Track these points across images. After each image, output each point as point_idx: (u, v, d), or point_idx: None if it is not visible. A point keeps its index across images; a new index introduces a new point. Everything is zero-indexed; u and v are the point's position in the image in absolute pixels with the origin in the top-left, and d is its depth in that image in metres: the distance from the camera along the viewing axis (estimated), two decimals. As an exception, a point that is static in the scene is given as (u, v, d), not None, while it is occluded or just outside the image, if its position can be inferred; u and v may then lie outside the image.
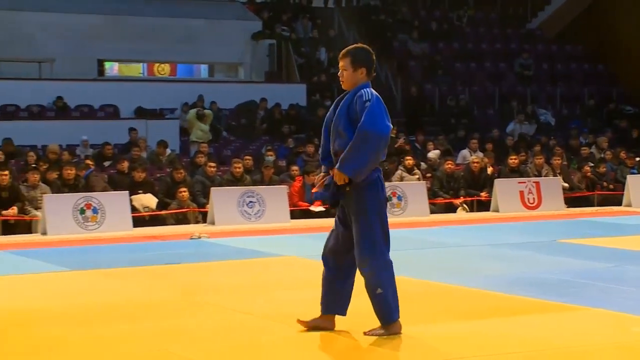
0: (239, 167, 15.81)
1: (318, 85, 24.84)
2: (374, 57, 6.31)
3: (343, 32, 27.45)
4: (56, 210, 13.52)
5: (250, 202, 14.81)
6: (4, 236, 13.44)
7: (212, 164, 16.18)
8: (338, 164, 6.04)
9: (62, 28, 23.71)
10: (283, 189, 15.37)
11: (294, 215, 15.15)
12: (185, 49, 24.92)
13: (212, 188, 14.95)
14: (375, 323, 6.25)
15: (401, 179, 16.67)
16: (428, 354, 5.84)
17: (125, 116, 21.49)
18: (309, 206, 15.66)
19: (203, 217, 15.07)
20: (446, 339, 6.22)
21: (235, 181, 15.61)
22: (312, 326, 6.32)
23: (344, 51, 6.28)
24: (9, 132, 18.37)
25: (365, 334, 6.21)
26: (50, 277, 9.44)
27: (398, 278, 8.84)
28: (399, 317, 6.21)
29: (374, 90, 6.18)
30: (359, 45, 6.37)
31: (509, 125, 23.62)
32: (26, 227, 14.04)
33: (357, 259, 6.11)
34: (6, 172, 14.02)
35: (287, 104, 23.00)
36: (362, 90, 6.14)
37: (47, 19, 23.74)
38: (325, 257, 6.32)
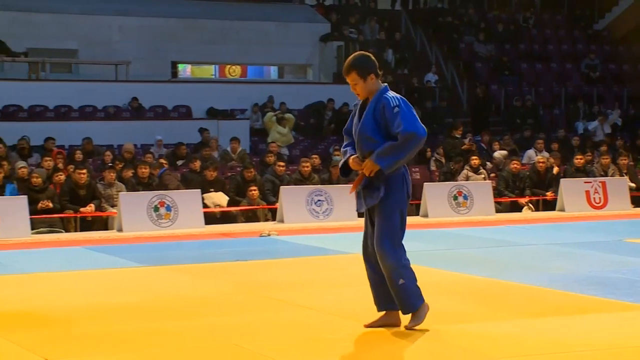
0: (307, 167, 15.84)
1: (385, 86, 24.73)
2: (374, 58, 6.21)
3: (410, 34, 27.34)
4: (131, 207, 13.69)
5: (319, 200, 14.82)
6: (81, 232, 13.66)
7: (282, 163, 16.25)
8: (374, 156, 6.01)
9: (138, 31, 24.05)
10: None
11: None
12: (255, 51, 25.09)
13: (281, 187, 15.00)
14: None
15: (467, 178, 16.53)
16: (491, 350, 5.77)
17: (197, 116, 21.70)
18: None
19: (272, 215, 15.13)
20: (510, 337, 6.13)
21: (304, 180, 15.64)
22: (378, 326, 6.29)
23: (346, 67, 6.15)
24: (86, 131, 18.67)
25: (407, 328, 6.18)
26: (125, 272, 9.56)
27: (464, 276, 8.79)
28: (423, 301, 6.18)
29: (395, 93, 6.12)
30: (357, 54, 6.24)
31: (590, 124, 23.29)
32: (102, 223, 14.25)
33: (378, 251, 6.09)
34: (84, 171, 14.24)
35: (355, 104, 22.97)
36: (384, 97, 6.07)
37: (123, 22, 24.10)
38: (366, 258, 6.30)
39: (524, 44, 27.14)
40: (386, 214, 6.09)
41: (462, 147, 18.50)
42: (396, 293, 6.13)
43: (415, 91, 24.83)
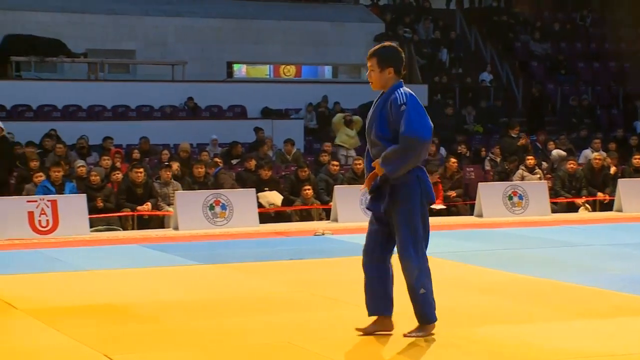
0: (360, 165, 15.84)
1: (440, 85, 24.68)
2: (402, 56, 5.98)
3: (465, 33, 27.18)
4: (187, 206, 13.79)
5: (373, 199, 14.77)
6: (138, 230, 13.79)
7: (336, 163, 16.27)
8: (380, 160, 5.83)
9: (194, 32, 24.25)
10: (404, 188, 15.29)
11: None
12: (310, 51, 25.14)
13: (335, 186, 15.01)
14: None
15: (522, 178, 16.37)
16: (546, 352, 5.70)
17: (252, 116, 21.80)
18: (430, 204, 15.58)
19: (326, 214, 15.14)
20: (565, 338, 6.06)
21: (357, 179, 15.64)
22: (371, 333, 6.06)
23: (370, 51, 5.96)
24: (144, 131, 18.86)
25: (405, 335, 5.96)
26: (181, 270, 9.63)
27: (519, 276, 8.70)
28: (436, 318, 6.00)
29: (407, 90, 5.87)
30: (386, 44, 6.05)
31: None
32: (159, 222, 14.38)
33: (400, 258, 5.90)
34: (141, 170, 14.38)
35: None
36: (395, 93, 5.84)
37: (180, 23, 24.32)
38: (366, 257, 6.14)
39: (580, 42, 26.82)
40: (406, 221, 5.88)
41: (518, 144, 18.33)
42: (416, 302, 5.92)
43: (470, 90, 24.71)
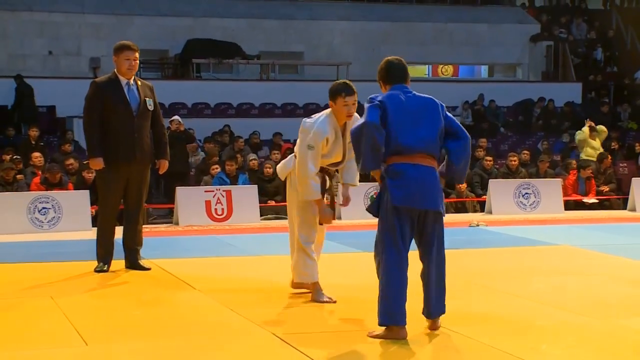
0: (515, 160, 15.56)
1: (594, 84, 23.92)
2: (386, 66, 6.03)
3: (621, 33, 26.21)
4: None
5: (526, 193, 14.50)
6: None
7: (489, 158, 16.03)
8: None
9: (357, 34, 24.38)
10: (557, 182, 14.94)
11: (568, 206, 14.68)
12: (468, 51, 24.86)
13: (490, 180, 14.79)
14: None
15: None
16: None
17: (411, 113, 21.72)
18: (582, 198, 15.18)
19: (480, 207, 14.94)
20: None
21: (511, 174, 15.36)
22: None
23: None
24: (310, 127, 19.11)
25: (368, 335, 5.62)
26: (341, 257, 9.69)
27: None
28: (391, 323, 5.46)
29: (377, 96, 5.90)
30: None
31: None
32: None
33: None
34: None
35: (563, 102, 22.33)
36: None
37: (345, 26, 24.51)
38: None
39: None
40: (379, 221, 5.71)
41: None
42: None
43: (625, 88, 23.84)
